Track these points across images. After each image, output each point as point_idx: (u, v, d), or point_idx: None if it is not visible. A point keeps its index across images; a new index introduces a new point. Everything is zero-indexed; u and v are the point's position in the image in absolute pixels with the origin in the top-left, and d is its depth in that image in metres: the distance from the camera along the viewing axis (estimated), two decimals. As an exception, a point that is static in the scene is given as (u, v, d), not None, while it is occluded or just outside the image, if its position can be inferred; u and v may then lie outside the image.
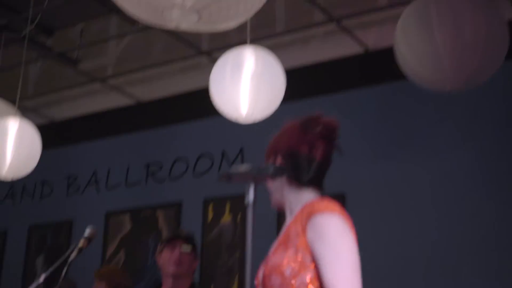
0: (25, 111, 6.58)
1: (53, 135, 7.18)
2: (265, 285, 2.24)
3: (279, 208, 2.44)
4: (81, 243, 3.12)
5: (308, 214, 2.22)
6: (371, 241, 4.64)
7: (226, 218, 6.60)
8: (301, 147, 2.36)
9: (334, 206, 2.23)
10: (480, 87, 4.31)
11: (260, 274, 2.33)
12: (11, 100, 5.42)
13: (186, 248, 3.76)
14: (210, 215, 6.68)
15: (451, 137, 5.45)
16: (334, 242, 2.15)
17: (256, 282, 2.34)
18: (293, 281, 2.15)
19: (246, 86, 3.80)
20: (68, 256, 3.08)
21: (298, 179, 2.36)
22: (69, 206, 7.56)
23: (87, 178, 7.55)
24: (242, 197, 6.99)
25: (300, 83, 5.81)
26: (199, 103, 6.63)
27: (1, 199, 8.13)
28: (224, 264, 6.48)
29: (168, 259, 3.73)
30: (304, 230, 2.20)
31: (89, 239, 3.13)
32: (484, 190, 5.23)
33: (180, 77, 6.82)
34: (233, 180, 2.21)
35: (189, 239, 3.82)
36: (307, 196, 2.36)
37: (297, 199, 2.37)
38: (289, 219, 2.38)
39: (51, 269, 3.04)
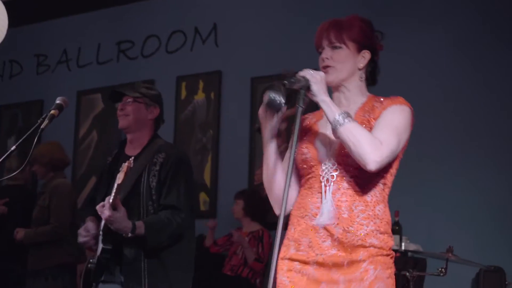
0: (-10, -14, 6.35)
1: (20, 11, 6.96)
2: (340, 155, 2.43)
3: (331, 83, 2.50)
4: (52, 110, 3.03)
5: (391, 103, 2.47)
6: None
7: (200, 95, 6.55)
8: (377, 53, 2.57)
9: (407, 102, 2.49)
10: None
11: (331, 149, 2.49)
12: (-25, -26, 5.20)
13: (128, 98, 3.65)
14: (183, 93, 6.63)
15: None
16: (396, 113, 2.44)
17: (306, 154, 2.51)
18: None
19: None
20: (40, 125, 3.00)
21: (374, 79, 2.58)
22: (39, 86, 7.47)
23: (57, 56, 7.42)
24: (215, 74, 6.99)
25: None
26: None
27: (-31, 79, 7.99)
28: (198, 142, 6.48)
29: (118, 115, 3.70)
30: (380, 112, 2.45)
31: (61, 107, 3.04)
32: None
33: None
34: (291, 87, 2.32)
35: (131, 89, 3.70)
36: (365, 88, 2.57)
37: (361, 90, 2.55)
38: (348, 106, 2.52)
39: (22, 138, 2.96)
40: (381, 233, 2.38)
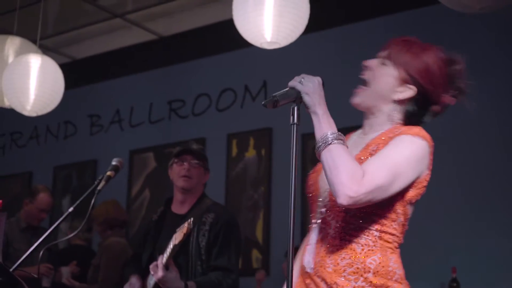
0: (45, 51, 6.54)
1: (74, 74, 7.15)
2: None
3: (358, 106, 2.22)
4: (109, 172, 3.08)
5: (400, 133, 2.09)
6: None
7: (251, 152, 6.58)
8: (436, 103, 2.18)
9: (426, 133, 2.10)
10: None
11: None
12: (32, 40, 5.39)
13: (195, 162, 3.77)
14: (234, 150, 6.67)
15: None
16: (400, 144, 2.05)
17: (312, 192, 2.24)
18: None
19: (270, 11, 3.73)
20: (96, 186, 3.06)
21: (414, 121, 2.17)
22: (93, 146, 7.60)
23: (110, 116, 7.55)
24: (265, 131, 7.04)
25: (324, 12, 5.71)
26: (221, 37, 6.57)
27: (26, 141, 8.18)
28: (249, 199, 6.49)
29: (177, 174, 3.77)
30: (387, 142, 2.09)
31: (117, 168, 3.09)
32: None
33: (200, 10, 6.72)
34: (279, 104, 2.03)
35: (198, 153, 3.81)
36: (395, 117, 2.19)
37: (386, 118, 2.19)
38: (368, 134, 2.22)
39: (80, 200, 3.01)
40: (374, 287, 2.03)
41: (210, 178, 3.94)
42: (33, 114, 4.84)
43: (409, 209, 2.12)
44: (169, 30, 7.13)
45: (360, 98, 2.20)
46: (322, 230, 2.13)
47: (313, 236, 2.16)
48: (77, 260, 5.65)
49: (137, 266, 3.80)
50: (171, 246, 3.35)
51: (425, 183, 2.10)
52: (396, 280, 2.05)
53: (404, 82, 2.15)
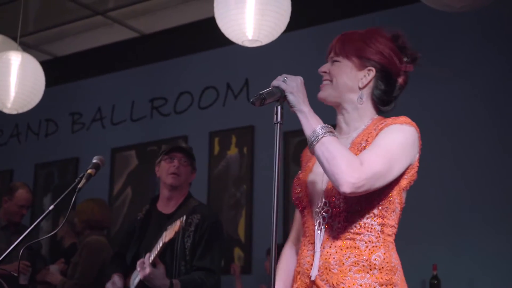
0: (26, 48, 6.51)
1: (55, 71, 7.12)
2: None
3: (325, 99, 2.27)
4: (89, 170, 3.06)
5: (387, 124, 2.14)
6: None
7: (233, 151, 6.57)
8: (397, 74, 2.25)
9: (411, 121, 2.16)
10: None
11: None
12: (12, 37, 5.35)
13: (184, 160, 3.79)
14: (216, 148, 6.66)
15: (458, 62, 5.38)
16: (390, 133, 2.10)
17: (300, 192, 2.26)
18: None
19: (251, 9, 3.75)
20: (77, 184, 3.04)
21: (383, 101, 2.26)
22: (74, 144, 7.56)
23: (91, 114, 7.52)
24: (247, 129, 7.01)
25: (306, 10, 5.72)
26: (203, 35, 6.56)
27: (6, 139, 8.13)
28: (231, 197, 6.48)
29: (166, 171, 3.78)
30: (376, 135, 2.13)
31: (98, 166, 3.08)
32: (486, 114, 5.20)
33: (182, 8, 6.71)
34: (266, 102, 2.04)
35: (187, 151, 3.84)
36: (372, 112, 2.25)
37: (362, 114, 2.24)
38: (348, 133, 2.26)
39: (60, 198, 2.99)
40: (380, 284, 2.04)
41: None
42: (14, 112, 4.81)
43: (404, 197, 2.17)
44: (151, 27, 7.10)
45: (326, 92, 2.25)
46: (324, 234, 2.13)
47: (316, 242, 2.15)
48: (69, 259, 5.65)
49: (119, 264, 3.81)
50: (160, 244, 3.38)
51: (416, 169, 2.15)
52: (398, 277, 2.09)
53: (362, 67, 2.21)
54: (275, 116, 2.04)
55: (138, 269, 3.42)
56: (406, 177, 2.13)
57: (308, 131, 2.05)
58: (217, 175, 6.59)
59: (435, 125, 5.25)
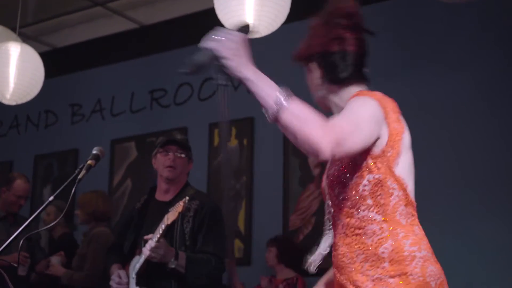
0: (25, 39, 6.49)
1: (55, 62, 7.10)
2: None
3: (324, 107, 2.22)
4: (89, 161, 3.07)
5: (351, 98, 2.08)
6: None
7: (233, 142, 6.57)
8: (330, 45, 2.12)
9: (374, 93, 2.07)
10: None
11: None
12: (11, 28, 5.34)
13: (179, 152, 3.80)
14: (216, 140, 6.66)
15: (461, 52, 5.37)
16: (353, 102, 2.03)
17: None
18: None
19: (251, 0, 3.73)
20: (77, 175, 3.04)
21: (338, 79, 2.13)
22: (74, 135, 7.56)
23: (91, 105, 7.51)
24: (247, 120, 7.01)
25: (306, 1, 5.70)
26: (202, 26, 6.51)
27: (6, 130, 8.12)
28: (231, 188, 6.48)
29: (162, 164, 3.80)
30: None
31: (97, 157, 3.08)
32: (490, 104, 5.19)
33: (183, -1, 6.71)
34: (199, 71, 1.83)
35: (182, 143, 3.85)
36: (352, 91, 2.14)
37: (342, 99, 2.15)
38: None
39: (60, 189, 3.00)
40: (391, 277, 1.95)
41: (192, 168, 3.98)
42: (13, 103, 4.82)
43: (401, 176, 2.05)
44: (151, 18, 7.09)
45: (318, 102, 2.23)
46: (335, 233, 2.10)
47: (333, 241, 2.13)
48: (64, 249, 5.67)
49: (118, 255, 3.84)
50: (162, 226, 3.42)
51: (398, 137, 2.04)
52: (417, 264, 1.97)
53: (313, 68, 2.19)
54: (217, 78, 1.83)
55: (144, 251, 3.44)
56: (386, 149, 2.01)
57: (266, 100, 1.82)
58: (217, 167, 6.59)
59: (433, 118, 5.25)
